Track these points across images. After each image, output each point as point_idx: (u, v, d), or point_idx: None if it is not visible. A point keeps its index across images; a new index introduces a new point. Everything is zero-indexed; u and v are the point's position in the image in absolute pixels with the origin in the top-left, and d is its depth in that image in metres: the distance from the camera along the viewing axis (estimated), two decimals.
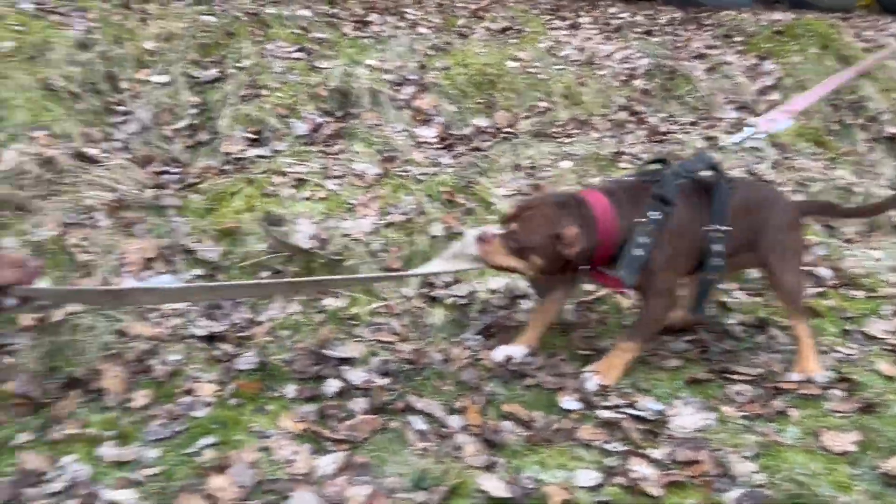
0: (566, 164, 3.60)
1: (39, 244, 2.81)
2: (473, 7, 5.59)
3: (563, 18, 5.58)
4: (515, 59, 4.48)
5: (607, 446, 2.00)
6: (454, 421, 2.05)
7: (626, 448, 2.00)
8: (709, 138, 3.98)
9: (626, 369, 2.31)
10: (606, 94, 4.48)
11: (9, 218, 2.93)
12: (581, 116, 4.24)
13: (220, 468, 1.80)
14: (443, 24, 5.07)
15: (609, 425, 2.10)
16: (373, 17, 4.92)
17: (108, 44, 4.01)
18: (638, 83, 4.65)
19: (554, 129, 4.03)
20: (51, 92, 3.61)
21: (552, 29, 5.26)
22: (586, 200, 2.24)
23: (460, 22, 5.15)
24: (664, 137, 4.10)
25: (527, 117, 4.10)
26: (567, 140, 3.94)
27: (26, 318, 2.51)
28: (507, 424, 2.04)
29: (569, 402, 2.19)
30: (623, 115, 4.32)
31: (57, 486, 1.79)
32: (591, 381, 2.25)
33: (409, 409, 2.10)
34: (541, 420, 2.11)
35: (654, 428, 2.09)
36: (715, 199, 2.30)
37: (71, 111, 3.59)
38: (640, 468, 1.88)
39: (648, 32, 5.49)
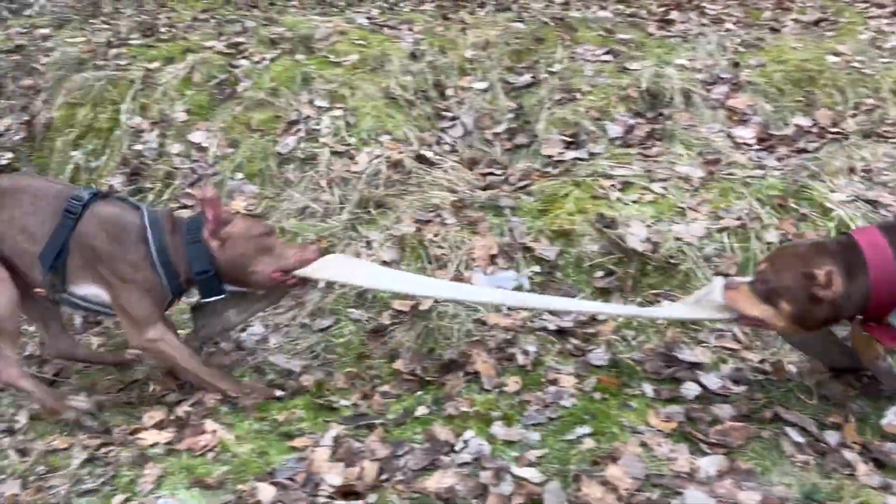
0: None
1: (401, 238, 3.20)
2: None
3: (882, 5, 5.13)
4: (836, 54, 4.22)
5: None
6: (831, 436, 2.04)
7: None
8: None
9: None
10: None
11: (373, 215, 3.37)
12: None
13: (613, 458, 1.96)
14: (746, 17, 4.91)
15: None
16: (674, 14, 4.89)
17: (434, 54, 4.39)
18: None
19: (886, 129, 3.75)
20: (391, 100, 4.05)
21: (871, 17, 4.86)
22: (855, 242, 2.00)
23: (766, 15, 4.94)
24: None
25: (853, 115, 3.86)
26: None
27: (402, 304, 2.88)
28: (892, 445, 1.99)
29: None
30: None
31: (465, 457, 2.06)
32: None
33: (779, 420, 2.12)
34: None
35: None
36: None
37: (408, 117, 4.00)
38: None
39: None
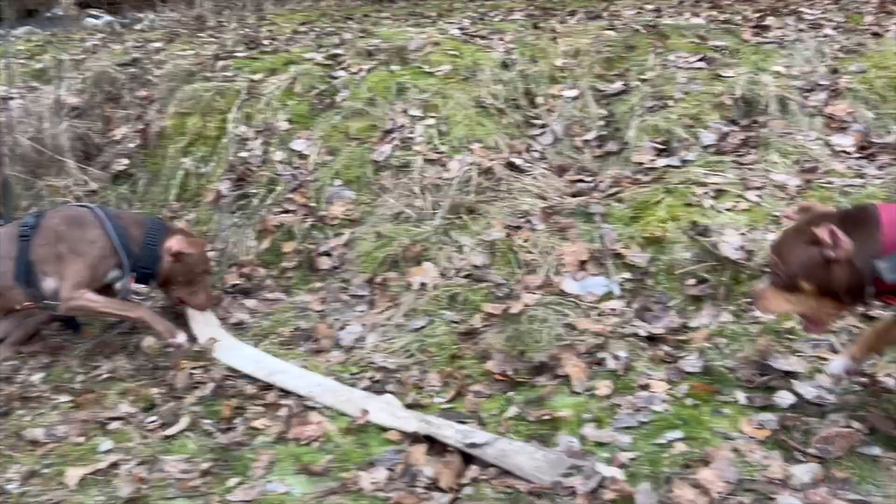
0: None
1: (492, 243, 3.28)
2: (878, 1, 5.16)
3: None
4: None
5: None
6: None
7: None
8: None
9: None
10: None
11: (464, 220, 3.47)
12: None
13: (704, 462, 1.99)
14: (846, 22, 4.77)
15: None
16: (769, 20, 4.81)
17: (524, 63, 4.47)
18: None
19: None
20: (482, 108, 4.15)
21: None
22: (869, 207, 1.95)
23: (867, 19, 4.79)
24: None
25: None
26: None
27: (493, 307, 2.96)
28: None
29: None
30: None
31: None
32: None
33: (875, 431, 2.10)
34: None
35: None
36: None
37: (499, 125, 4.09)
38: None
39: None
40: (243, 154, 4.06)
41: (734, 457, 2.03)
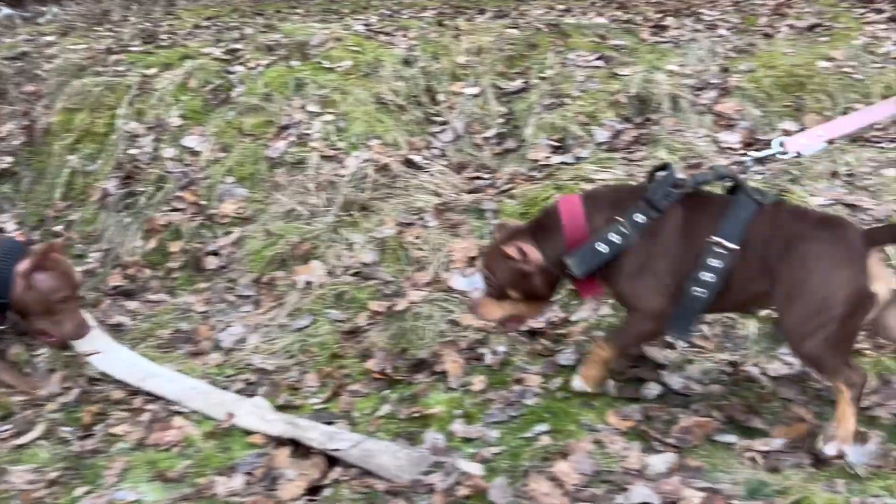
0: (890, 172, 3.34)
1: (382, 240, 3.24)
2: (774, 3, 5.32)
3: (880, 11, 5.10)
4: (828, 59, 4.21)
5: None
6: (778, 436, 2.05)
7: None
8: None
9: (604, 371, 2.27)
10: None
11: (356, 217, 3.42)
12: None
13: (563, 454, 1.98)
14: (743, 23, 4.90)
15: None
16: (669, 20, 4.90)
17: (427, 60, 4.44)
18: None
19: (874, 134, 3.74)
20: (382, 105, 4.11)
21: (867, 24, 4.84)
22: (551, 209, 2.17)
23: (762, 21, 4.94)
24: None
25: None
26: (890, 145, 3.64)
27: (378, 306, 2.92)
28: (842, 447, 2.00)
29: None
30: None
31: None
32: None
33: (733, 421, 2.13)
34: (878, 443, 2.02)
35: None
36: (729, 213, 2.01)
37: (398, 122, 4.05)
38: None
39: None
40: (133, 151, 3.92)
41: (594, 448, 2.04)
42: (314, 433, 2.16)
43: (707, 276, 1.99)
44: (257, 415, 2.30)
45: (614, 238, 2.04)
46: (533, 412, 2.27)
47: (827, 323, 1.90)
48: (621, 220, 2.04)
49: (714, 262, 1.98)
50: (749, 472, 1.92)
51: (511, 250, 2.08)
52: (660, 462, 1.96)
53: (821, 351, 1.93)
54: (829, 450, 1.94)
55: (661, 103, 3.99)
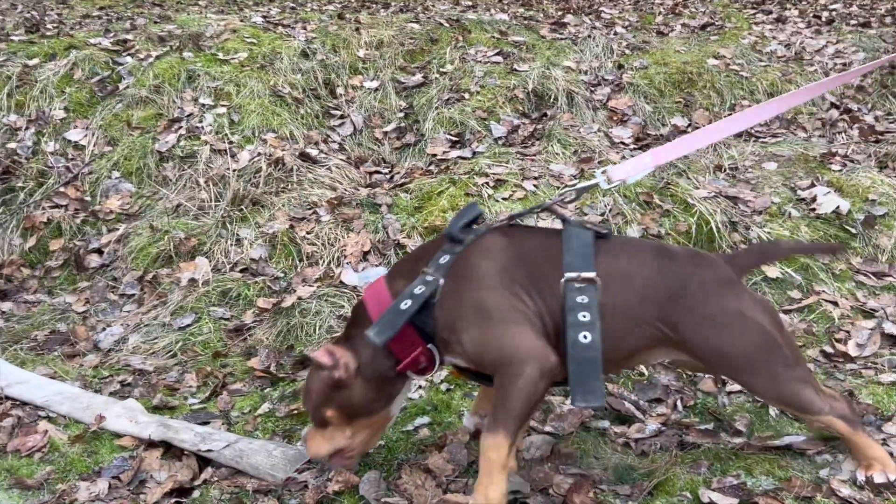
0: (771, 165, 3.48)
1: (273, 236, 3.17)
2: (671, 3, 5.49)
3: (768, 12, 5.33)
4: (717, 57, 4.36)
5: None
6: (652, 422, 2.10)
7: None
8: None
9: (505, 471, 1.64)
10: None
11: (246, 212, 3.33)
12: (787, 115, 4.06)
13: (438, 447, 1.97)
14: (639, 22, 5.03)
15: None
16: (569, 18, 4.98)
17: (326, 52, 4.38)
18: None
19: (758, 129, 3.89)
20: (278, 98, 4.02)
21: (756, 24, 5.04)
22: (362, 300, 1.81)
23: (658, 19, 5.08)
24: (881, 137, 3.83)
25: (728, 116, 3.98)
26: (772, 140, 3.79)
27: (265, 302, 2.85)
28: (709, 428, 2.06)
29: None
30: (834, 114, 4.08)
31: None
32: None
33: (609, 408, 2.17)
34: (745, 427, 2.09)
35: None
36: (566, 245, 1.71)
37: (295, 115, 3.98)
38: None
39: (865, 24, 5.11)
40: (11, 145, 3.72)
41: (471, 439, 2.03)
42: (187, 434, 2.08)
43: (583, 315, 1.63)
44: (128, 417, 2.21)
45: (418, 290, 1.68)
46: (417, 405, 2.25)
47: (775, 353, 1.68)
48: (426, 269, 1.72)
49: (581, 298, 1.65)
50: (621, 456, 1.95)
51: (321, 356, 1.73)
52: (534, 450, 1.97)
53: (792, 387, 1.69)
54: (879, 478, 1.73)
55: (558, 99, 4.05)
